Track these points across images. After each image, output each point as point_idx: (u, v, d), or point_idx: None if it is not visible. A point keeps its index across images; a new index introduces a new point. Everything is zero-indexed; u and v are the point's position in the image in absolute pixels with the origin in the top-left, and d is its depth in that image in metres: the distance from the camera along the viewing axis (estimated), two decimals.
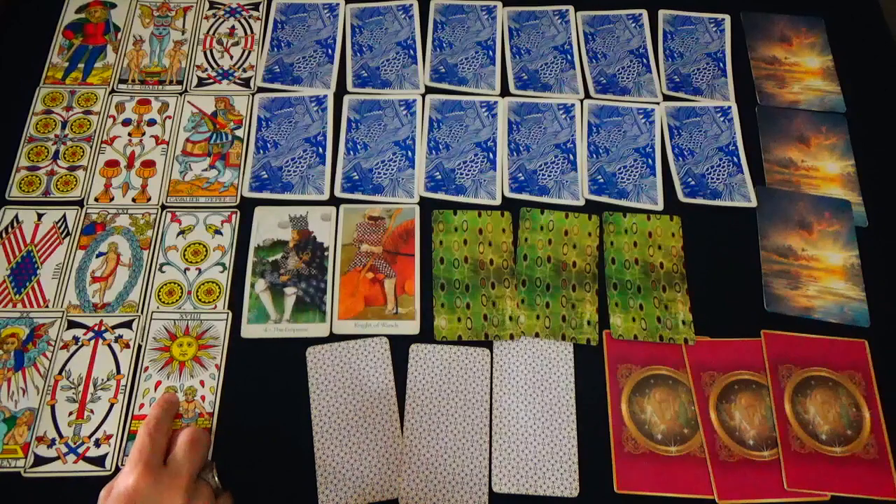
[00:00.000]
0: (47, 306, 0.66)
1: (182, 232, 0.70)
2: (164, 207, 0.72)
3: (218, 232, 0.70)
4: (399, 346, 0.65)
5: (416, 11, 0.84)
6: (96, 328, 0.65)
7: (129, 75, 0.79)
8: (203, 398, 0.62)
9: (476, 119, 0.78)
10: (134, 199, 0.72)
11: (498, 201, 0.73)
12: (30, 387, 0.62)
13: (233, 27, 0.83)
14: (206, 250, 0.69)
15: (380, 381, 0.63)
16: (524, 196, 0.73)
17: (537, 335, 0.66)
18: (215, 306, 0.67)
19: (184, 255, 0.69)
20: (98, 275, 0.68)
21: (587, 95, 0.80)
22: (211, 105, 0.78)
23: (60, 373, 0.63)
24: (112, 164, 0.74)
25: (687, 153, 0.77)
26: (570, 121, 0.78)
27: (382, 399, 0.63)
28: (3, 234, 0.69)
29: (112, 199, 0.72)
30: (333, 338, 0.65)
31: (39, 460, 0.60)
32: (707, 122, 0.79)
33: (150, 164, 0.74)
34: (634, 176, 0.75)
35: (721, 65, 0.83)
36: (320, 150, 0.75)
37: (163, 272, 0.68)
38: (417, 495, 0.59)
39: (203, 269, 0.68)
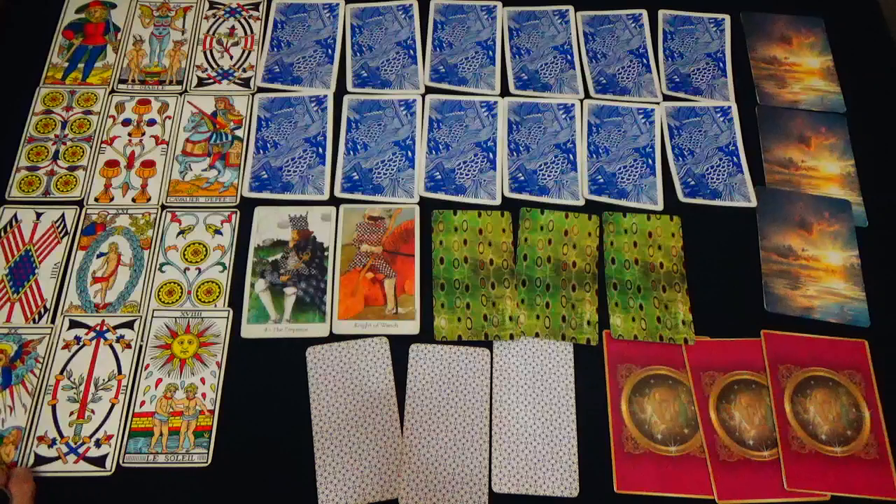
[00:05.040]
0: (45, 306, 0.66)
1: (182, 232, 0.70)
2: (164, 207, 0.72)
3: (218, 232, 0.70)
4: (399, 346, 0.65)
5: (416, 11, 0.84)
6: (98, 328, 0.65)
7: (129, 75, 0.79)
8: (204, 395, 0.62)
9: (476, 119, 0.78)
10: (134, 199, 0.72)
11: (498, 201, 0.73)
12: (17, 405, 0.62)
13: (233, 27, 0.83)
14: (206, 250, 0.69)
15: (380, 381, 0.63)
16: (524, 196, 0.73)
17: (537, 335, 0.66)
18: (215, 306, 0.67)
19: (184, 255, 0.69)
20: (99, 275, 0.68)
21: (587, 95, 0.80)
22: (211, 105, 0.78)
23: (62, 373, 0.63)
24: (112, 164, 0.74)
25: (687, 153, 0.77)
26: (570, 121, 0.78)
27: (382, 399, 0.63)
28: (2, 234, 0.69)
29: (112, 200, 0.72)
30: (333, 338, 0.65)
31: (40, 460, 0.60)
32: (707, 122, 0.79)
33: (150, 164, 0.74)
34: (634, 176, 0.75)
35: (721, 65, 0.83)
36: (320, 150, 0.75)
37: (163, 272, 0.68)
38: (417, 495, 0.59)
39: (203, 269, 0.68)
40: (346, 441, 0.61)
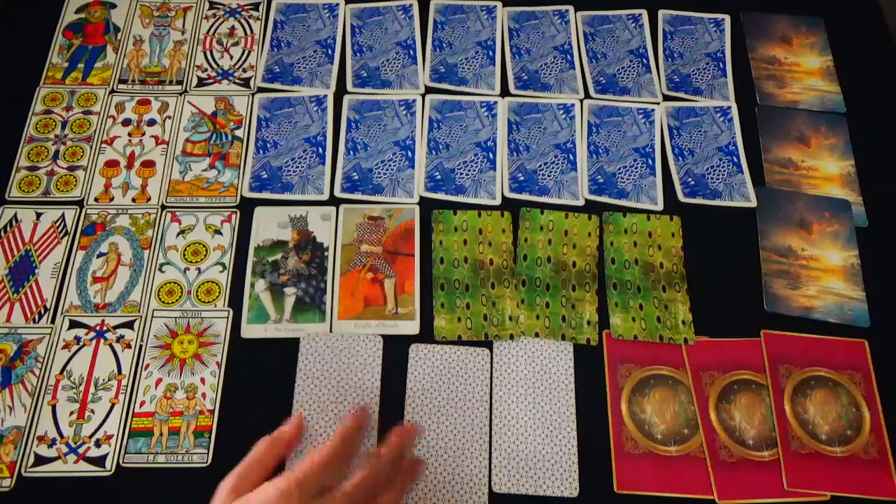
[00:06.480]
0: (45, 306, 0.66)
1: (182, 232, 0.70)
2: (164, 207, 0.72)
3: (218, 232, 0.70)
4: (399, 346, 0.65)
5: (416, 11, 0.84)
6: (98, 328, 0.65)
7: (129, 75, 0.79)
8: (204, 395, 0.62)
9: (476, 119, 0.78)
10: (134, 199, 0.72)
11: (498, 201, 0.73)
12: (17, 404, 0.61)
13: (233, 27, 0.83)
14: (206, 250, 0.69)
15: (367, 379, 0.63)
16: (524, 196, 0.73)
17: (537, 335, 0.66)
18: (215, 306, 0.67)
19: (184, 255, 0.69)
20: (99, 275, 0.68)
21: (587, 95, 0.80)
22: (211, 105, 0.78)
23: (62, 372, 0.63)
24: (112, 164, 0.74)
25: (687, 153, 0.77)
26: (570, 121, 0.78)
27: (367, 397, 0.62)
28: (2, 234, 0.70)
29: (112, 200, 0.72)
30: None
31: (40, 460, 0.60)
32: (707, 122, 0.79)
33: (149, 164, 0.74)
34: (634, 176, 0.75)
35: (721, 65, 0.83)
36: (320, 150, 0.75)
37: (162, 272, 0.68)
38: (417, 495, 0.59)
39: (203, 269, 0.68)
40: (327, 436, 0.61)
